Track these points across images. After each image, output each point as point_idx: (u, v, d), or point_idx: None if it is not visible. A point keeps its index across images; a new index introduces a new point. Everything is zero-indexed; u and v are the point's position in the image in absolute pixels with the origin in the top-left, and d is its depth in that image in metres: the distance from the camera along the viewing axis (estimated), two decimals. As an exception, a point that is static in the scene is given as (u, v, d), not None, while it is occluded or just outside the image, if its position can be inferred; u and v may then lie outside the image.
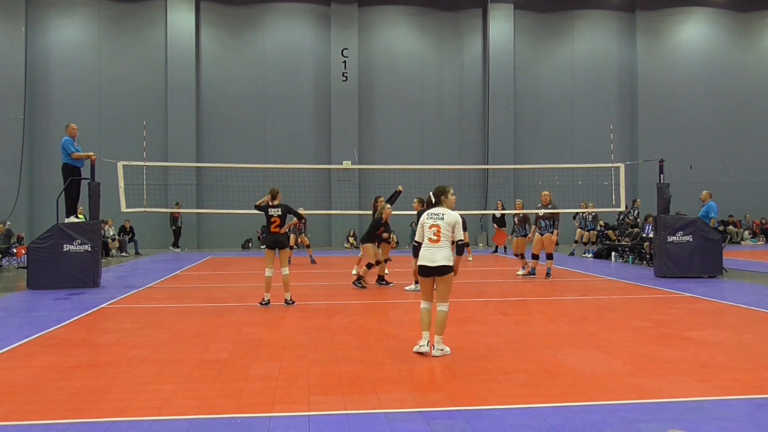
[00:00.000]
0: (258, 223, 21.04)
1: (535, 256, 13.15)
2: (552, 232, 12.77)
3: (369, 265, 11.57)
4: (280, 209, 9.50)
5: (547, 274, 12.91)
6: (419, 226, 6.38)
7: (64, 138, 12.25)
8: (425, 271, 6.19)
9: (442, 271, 6.12)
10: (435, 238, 6.16)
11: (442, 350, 6.06)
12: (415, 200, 12.16)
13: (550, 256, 12.98)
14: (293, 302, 9.49)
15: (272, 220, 9.43)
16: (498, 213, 17.91)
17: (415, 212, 11.72)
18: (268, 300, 9.39)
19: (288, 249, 9.67)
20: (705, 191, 13.96)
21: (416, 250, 6.31)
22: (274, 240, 9.48)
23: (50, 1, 23.39)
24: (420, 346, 6.18)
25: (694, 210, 18.25)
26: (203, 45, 24.35)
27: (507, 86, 24.98)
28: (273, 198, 9.63)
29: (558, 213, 13.07)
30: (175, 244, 22.83)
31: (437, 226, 6.19)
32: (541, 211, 12.90)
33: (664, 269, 12.72)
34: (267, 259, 9.44)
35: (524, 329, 7.55)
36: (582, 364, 5.73)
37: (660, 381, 5.17)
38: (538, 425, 4.15)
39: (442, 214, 6.24)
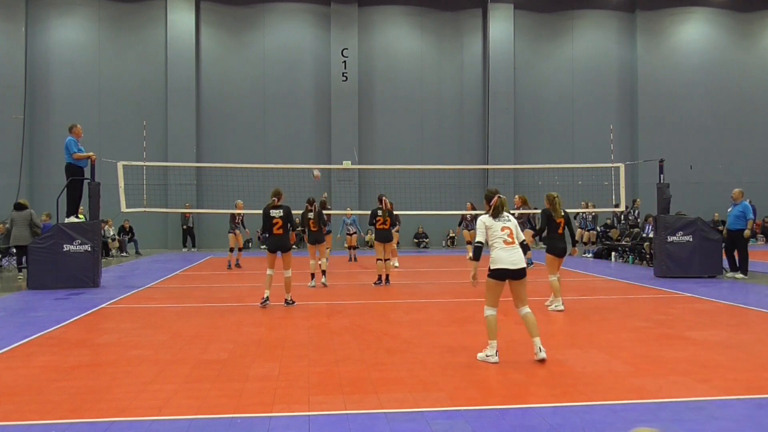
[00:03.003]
0: (258, 223, 20.97)
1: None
2: (531, 228, 13.45)
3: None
4: (281, 210, 9.34)
5: (529, 263, 13.56)
6: (482, 227, 6.08)
7: (68, 138, 12.22)
8: (504, 274, 5.90)
9: (523, 273, 5.93)
10: (510, 239, 5.97)
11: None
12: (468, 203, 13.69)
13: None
14: (293, 302, 9.43)
15: (274, 221, 9.26)
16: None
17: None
18: (268, 297, 9.29)
19: (291, 251, 9.50)
20: (737, 189, 13.35)
21: (478, 251, 6.06)
22: (275, 243, 9.33)
23: (50, 1, 23.39)
24: (489, 356, 5.88)
25: (695, 210, 18.28)
26: (203, 45, 24.35)
27: (507, 86, 24.98)
28: (277, 198, 9.47)
29: (529, 213, 13.67)
30: (185, 244, 22.94)
31: (509, 228, 6.03)
32: (516, 213, 13.33)
33: (664, 269, 12.72)
34: (269, 261, 9.38)
35: (524, 329, 7.53)
36: (582, 364, 5.73)
37: (660, 381, 5.17)
38: (538, 425, 4.15)
39: (508, 216, 6.14)
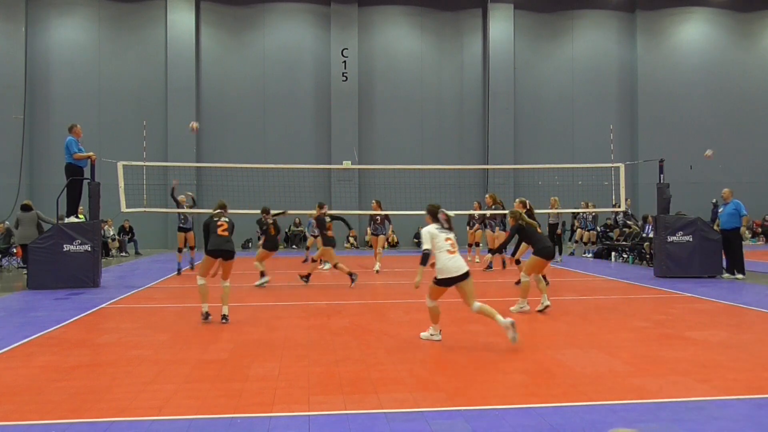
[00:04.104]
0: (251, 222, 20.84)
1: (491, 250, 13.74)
2: (503, 229, 13.78)
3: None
4: (228, 219, 8.34)
5: (489, 267, 13.87)
6: (429, 237, 6.72)
7: (68, 138, 12.22)
8: (450, 282, 6.60)
9: (467, 274, 6.63)
10: (453, 249, 6.66)
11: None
12: (487, 197, 13.82)
13: (490, 250, 13.30)
14: (226, 319, 8.01)
15: (219, 224, 8.15)
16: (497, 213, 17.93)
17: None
18: (207, 311, 8.10)
19: (232, 261, 8.18)
20: (726, 189, 13.48)
21: (426, 257, 6.68)
22: (219, 243, 8.02)
23: (50, 1, 23.39)
24: (433, 335, 6.86)
25: (695, 210, 18.29)
26: (203, 45, 24.35)
27: (507, 86, 24.98)
28: (223, 210, 8.49)
29: (500, 213, 13.81)
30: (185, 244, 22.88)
31: (451, 238, 6.74)
32: (488, 212, 13.31)
33: (664, 269, 12.72)
34: (205, 267, 8.14)
35: (524, 329, 7.54)
36: (582, 364, 5.73)
37: (660, 381, 5.17)
38: (538, 425, 4.15)
39: (449, 229, 6.84)
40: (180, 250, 14.59)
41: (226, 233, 8.12)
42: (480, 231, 16.96)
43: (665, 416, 4.33)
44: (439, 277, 6.63)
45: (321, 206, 12.43)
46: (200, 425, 4.20)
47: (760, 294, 10.47)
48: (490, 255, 9.48)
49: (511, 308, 8.72)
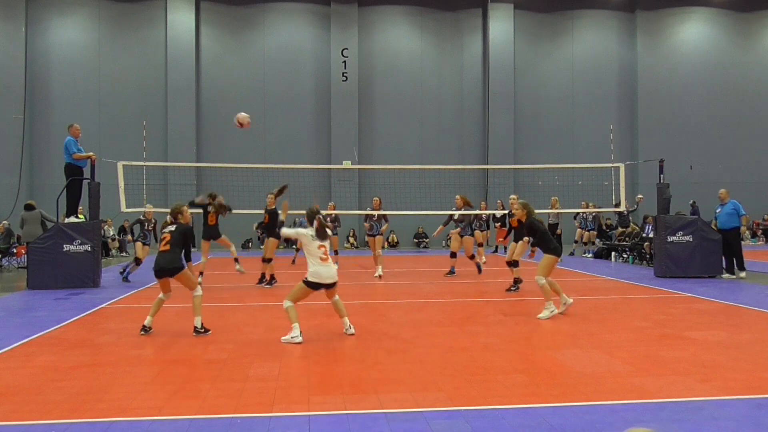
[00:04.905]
0: (251, 220, 20.77)
1: (454, 255, 13.35)
2: (471, 234, 13.06)
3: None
4: (175, 227, 7.53)
5: (479, 270, 13.39)
6: (302, 234, 6.96)
7: (67, 138, 12.23)
8: (320, 286, 6.88)
9: (335, 284, 7.00)
10: (325, 257, 6.89)
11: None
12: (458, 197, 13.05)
13: (471, 257, 13.14)
14: (205, 330, 7.22)
15: (162, 236, 7.46)
16: (498, 213, 17.95)
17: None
18: (148, 325, 7.30)
19: (184, 270, 7.38)
20: (723, 189, 13.46)
21: (282, 229, 7.39)
22: (159, 262, 7.30)
23: (50, 1, 23.40)
24: (294, 337, 6.72)
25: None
26: (203, 45, 24.35)
27: (507, 86, 24.99)
28: (173, 218, 7.73)
29: (471, 214, 13.30)
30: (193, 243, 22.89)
31: (325, 246, 6.95)
32: (456, 214, 12.86)
33: (664, 269, 12.72)
34: (160, 286, 7.45)
35: (524, 329, 7.55)
36: (582, 364, 5.73)
37: (660, 381, 5.17)
38: (538, 425, 4.15)
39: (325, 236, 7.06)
40: (138, 262, 13.20)
41: (167, 247, 7.28)
42: (479, 232, 16.93)
43: (665, 416, 4.33)
44: (310, 279, 6.81)
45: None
46: (200, 425, 4.20)
47: (760, 294, 10.47)
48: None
49: (539, 315, 8.09)
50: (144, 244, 13.38)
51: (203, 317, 7.32)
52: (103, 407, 4.56)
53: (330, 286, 6.93)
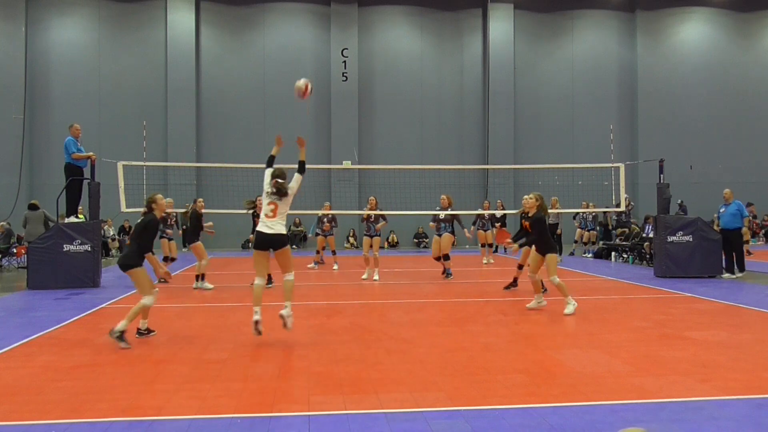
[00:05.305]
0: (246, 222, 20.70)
1: (438, 258, 13.08)
2: (451, 232, 12.76)
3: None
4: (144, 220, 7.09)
5: (447, 275, 12.90)
6: (266, 179, 7.08)
7: (67, 138, 12.24)
8: (263, 241, 6.88)
9: (283, 243, 6.93)
10: (272, 215, 6.90)
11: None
12: (443, 196, 12.83)
13: (446, 257, 12.89)
14: (148, 332, 7.13)
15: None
16: (498, 213, 17.97)
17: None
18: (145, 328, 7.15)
19: (136, 268, 6.90)
20: (727, 189, 13.44)
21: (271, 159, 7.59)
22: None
23: (50, 1, 23.40)
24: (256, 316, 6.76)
25: (695, 210, 18.27)
26: (203, 45, 24.35)
27: (507, 86, 24.98)
28: (148, 209, 7.15)
29: (457, 215, 13.01)
30: (185, 244, 22.86)
31: (275, 204, 6.93)
32: (442, 214, 12.70)
33: (664, 269, 12.72)
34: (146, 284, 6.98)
35: (524, 329, 7.55)
36: (582, 364, 5.73)
37: (660, 381, 5.17)
38: (538, 425, 4.15)
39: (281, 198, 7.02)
40: (166, 260, 13.62)
41: (128, 241, 7.06)
42: (483, 232, 16.95)
43: (665, 416, 4.33)
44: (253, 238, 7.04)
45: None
46: (200, 425, 4.20)
47: (760, 294, 10.47)
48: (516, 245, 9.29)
49: (565, 311, 8.38)
50: (168, 239, 13.78)
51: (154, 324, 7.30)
52: (103, 407, 4.56)
53: (275, 244, 6.89)
